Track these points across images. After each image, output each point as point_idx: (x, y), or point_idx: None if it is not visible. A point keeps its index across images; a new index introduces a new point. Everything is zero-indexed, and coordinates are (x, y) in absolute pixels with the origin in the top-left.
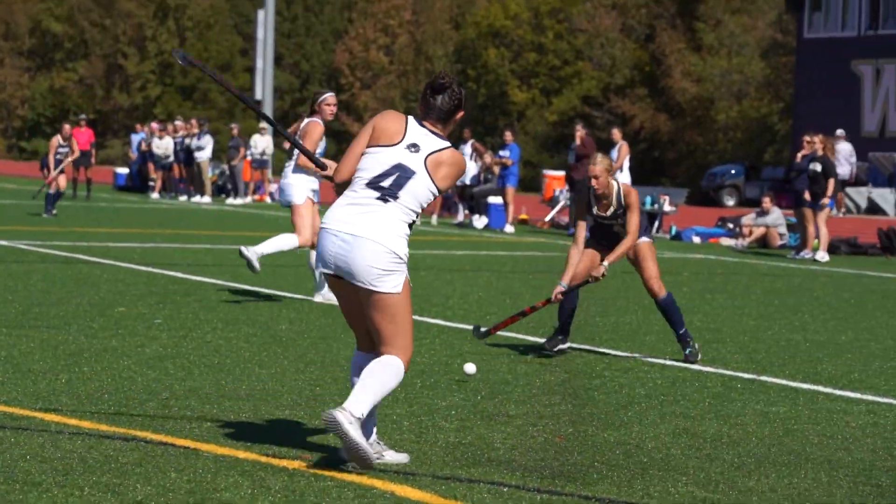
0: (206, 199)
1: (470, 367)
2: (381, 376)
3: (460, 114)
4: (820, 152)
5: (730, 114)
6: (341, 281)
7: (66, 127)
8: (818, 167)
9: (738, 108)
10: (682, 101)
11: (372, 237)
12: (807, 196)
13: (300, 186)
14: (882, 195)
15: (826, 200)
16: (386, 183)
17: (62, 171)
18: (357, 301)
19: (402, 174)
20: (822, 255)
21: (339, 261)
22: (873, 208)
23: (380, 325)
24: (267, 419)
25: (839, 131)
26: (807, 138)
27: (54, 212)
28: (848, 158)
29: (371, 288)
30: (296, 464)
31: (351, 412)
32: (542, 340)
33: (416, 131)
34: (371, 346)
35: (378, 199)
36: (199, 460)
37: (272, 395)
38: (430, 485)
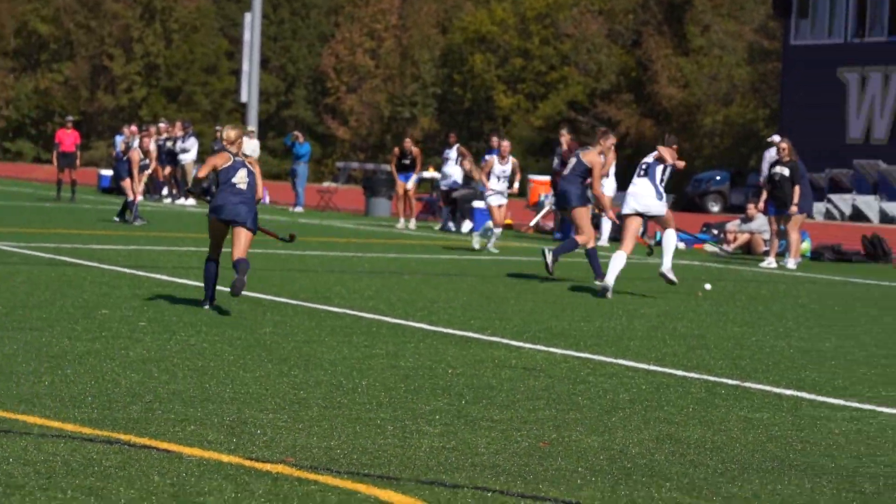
0: (191, 201)
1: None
2: None
3: None
4: (786, 157)
5: (716, 118)
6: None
7: (146, 140)
8: (785, 172)
9: (725, 113)
10: (668, 106)
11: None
12: (758, 205)
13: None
14: (866, 202)
15: (794, 208)
16: None
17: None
18: None
19: None
20: (791, 262)
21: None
22: (857, 215)
23: None
24: (251, 423)
25: (774, 137)
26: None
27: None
28: None
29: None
30: (279, 467)
31: None
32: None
33: None
34: None
35: None
36: (183, 464)
37: (256, 398)
38: (413, 489)
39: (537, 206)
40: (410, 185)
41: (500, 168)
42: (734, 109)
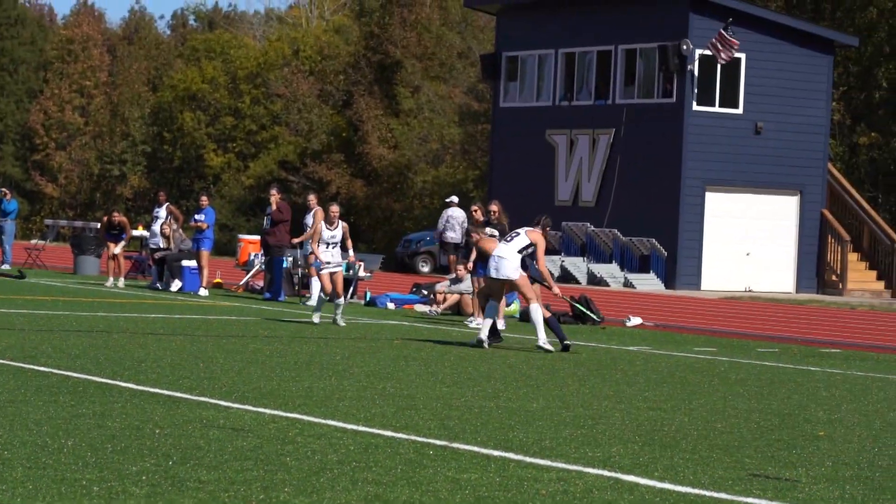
0: None
1: None
2: None
3: None
4: (495, 220)
5: (426, 179)
6: None
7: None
8: (495, 233)
9: (435, 174)
10: (378, 167)
11: None
12: (467, 266)
13: None
14: (574, 264)
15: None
16: None
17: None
18: None
19: None
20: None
21: None
22: (566, 277)
23: None
24: None
25: (453, 198)
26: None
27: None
28: (462, 224)
29: None
30: None
31: None
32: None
33: None
34: None
35: None
36: None
37: None
38: None
39: (247, 266)
40: (118, 249)
41: (329, 234)
42: (444, 170)
